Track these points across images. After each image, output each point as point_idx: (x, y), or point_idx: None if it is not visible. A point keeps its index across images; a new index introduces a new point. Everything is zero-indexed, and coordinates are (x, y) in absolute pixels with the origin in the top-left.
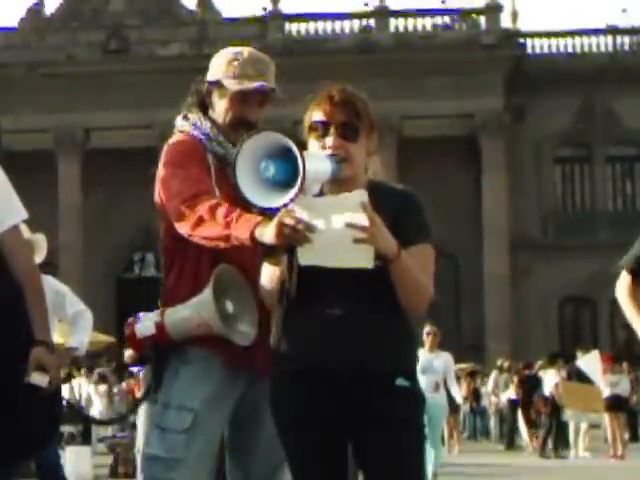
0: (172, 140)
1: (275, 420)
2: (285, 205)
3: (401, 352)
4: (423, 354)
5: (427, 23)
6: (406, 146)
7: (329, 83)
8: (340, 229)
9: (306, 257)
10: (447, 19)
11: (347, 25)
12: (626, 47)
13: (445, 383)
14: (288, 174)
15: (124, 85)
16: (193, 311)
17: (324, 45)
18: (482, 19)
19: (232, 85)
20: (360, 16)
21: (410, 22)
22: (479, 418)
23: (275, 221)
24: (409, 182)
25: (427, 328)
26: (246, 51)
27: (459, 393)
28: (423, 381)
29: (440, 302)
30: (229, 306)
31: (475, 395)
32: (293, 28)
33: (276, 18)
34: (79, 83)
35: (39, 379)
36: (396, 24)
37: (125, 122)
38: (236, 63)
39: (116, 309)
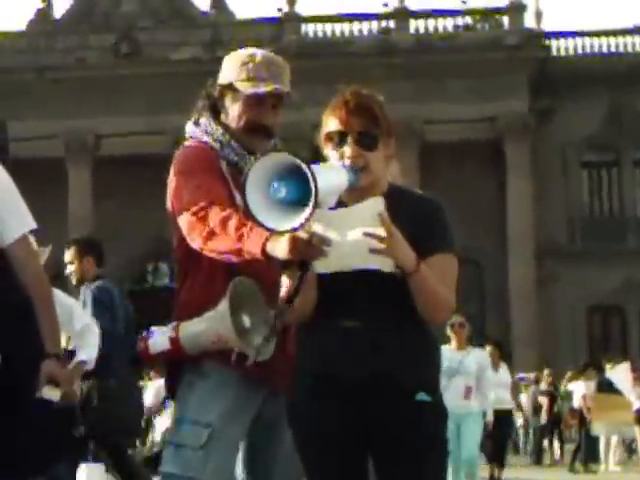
0: (183, 147)
1: (294, 435)
2: (300, 226)
3: (422, 365)
4: (450, 353)
5: (448, 24)
6: (428, 151)
7: (344, 87)
8: (357, 240)
9: (322, 266)
10: (469, 19)
11: (366, 27)
12: None
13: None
14: (301, 192)
15: (136, 89)
16: (209, 325)
17: (342, 47)
18: (505, 19)
19: (245, 88)
20: (379, 17)
21: (431, 23)
22: None
23: (288, 236)
24: (431, 187)
25: (452, 319)
26: (259, 53)
27: (490, 407)
28: (451, 386)
29: (464, 311)
30: (246, 320)
31: None
32: (309, 30)
33: (292, 19)
34: (89, 88)
35: (51, 393)
36: (416, 25)
37: (137, 128)
38: (250, 65)
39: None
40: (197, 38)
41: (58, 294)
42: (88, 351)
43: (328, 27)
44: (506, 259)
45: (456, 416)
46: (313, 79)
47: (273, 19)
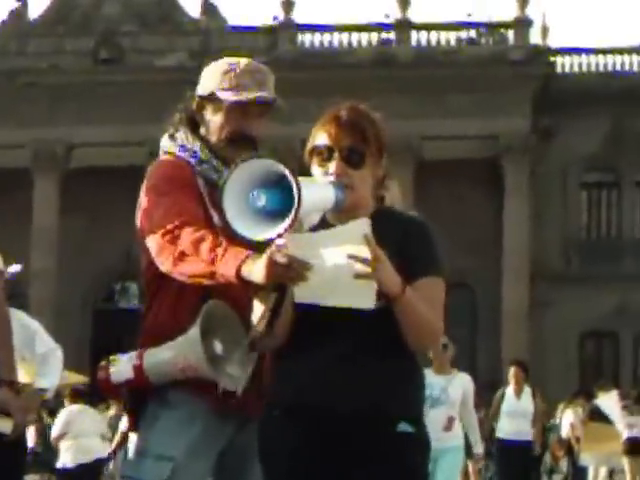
0: (156, 163)
1: (264, 469)
2: (275, 238)
3: (404, 395)
4: (431, 378)
5: (451, 37)
6: (424, 168)
7: (339, 101)
8: (340, 264)
9: (302, 295)
10: (473, 33)
11: (365, 37)
12: None
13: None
14: (282, 202)
15: (115, 98)
16: (177, 352)
17: (339, 59)
18: (510, 34)
19: (229, 97)
20: (379, 28)
21: (433, 36)
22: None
23: (265, 259)
24: (426, 206)
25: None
26: (242, 61)
27: (479, 439)
28: (431, 416)
29: (455, 336)
30: (217, 346)
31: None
32: (306, 39)
33: (287, 28)
34: (63, 95)
35: (2, 424)
36: (418, 37)
37: (113, 138)
38: (232, 74)
39: (92, 344)
40: (185, 45)
41: (19, 315)
42: (50, 379)
43: (326, 37)
44: (500, 282)
45: (434, 450)
46: (307, 91)
47: (268, 27)
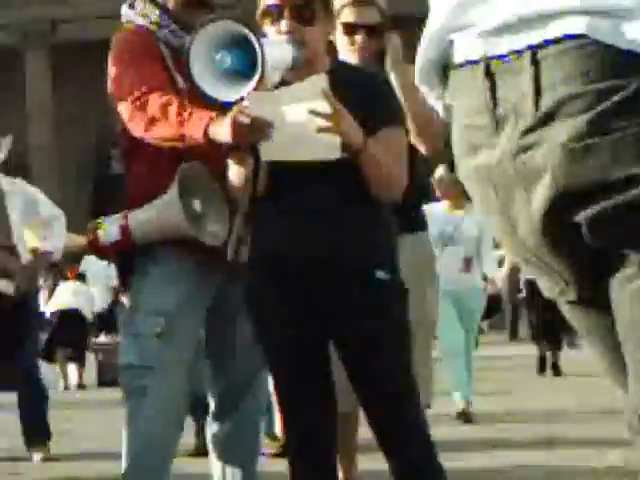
0: (119, 32)
1: (252, 321)
2: (243, 97)
3: (378, 243)
4: (441, 214)
5: None
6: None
7: None
8: (301, 120)
9: (268, 153)
10: None
11: None
12: None
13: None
14: (247, 64)
15: None
16: (159, 212)
17: None
18: None
19: None
20: None
21: None
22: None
23: (229, 119)
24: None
25: (440, 171)
26: None
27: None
28: (446, 256)
29: None
30: (197, 205)
31: None
32: None
33: None
34: None
35: (3, 286)
36: None
37: (99, 12)
38: None
39: (94, 210)
40: None
41: (19, 184)
42: (55, 241)
43: None
44: None
45: (453, 293)
46: None
47: None
